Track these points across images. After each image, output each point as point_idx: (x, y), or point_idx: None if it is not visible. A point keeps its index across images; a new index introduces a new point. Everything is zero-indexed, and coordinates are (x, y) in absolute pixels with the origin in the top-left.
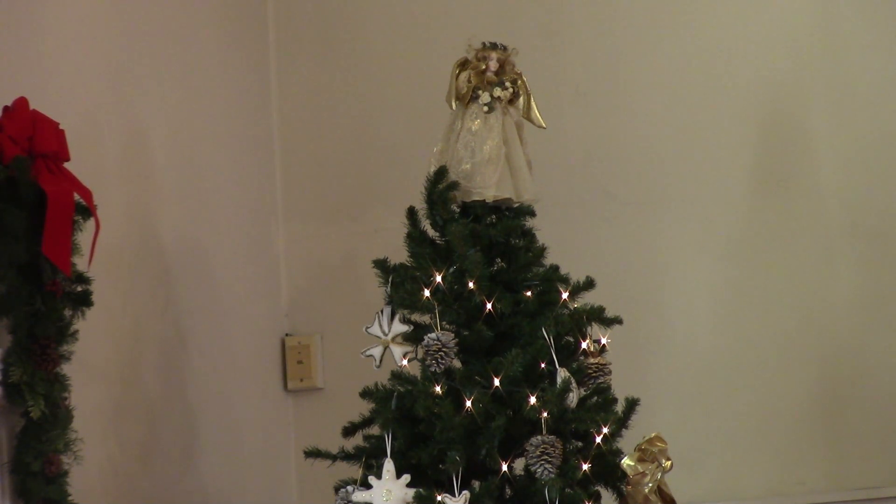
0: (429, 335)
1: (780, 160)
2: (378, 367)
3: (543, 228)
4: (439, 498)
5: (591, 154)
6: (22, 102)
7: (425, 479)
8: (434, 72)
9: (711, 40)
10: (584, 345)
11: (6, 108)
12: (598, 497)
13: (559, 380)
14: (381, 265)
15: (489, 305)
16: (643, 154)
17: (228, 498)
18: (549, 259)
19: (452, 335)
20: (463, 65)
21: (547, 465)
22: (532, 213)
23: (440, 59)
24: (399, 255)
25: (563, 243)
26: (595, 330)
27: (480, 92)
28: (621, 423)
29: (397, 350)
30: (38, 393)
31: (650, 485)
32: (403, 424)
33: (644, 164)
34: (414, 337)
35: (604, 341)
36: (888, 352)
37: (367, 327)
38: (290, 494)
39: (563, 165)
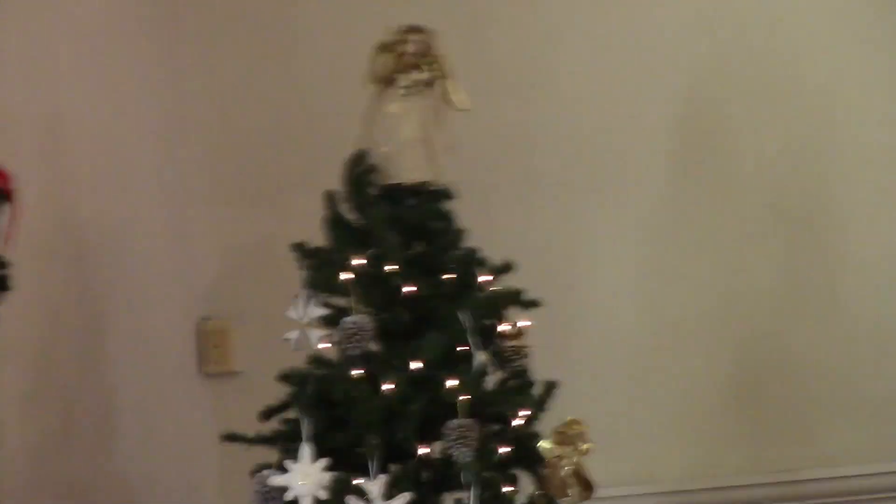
0: (346, 319)
1: (700, 144)
2: (296, 350)
3: (463, 212)
4: (357, 482)
5: (511, 137)
6: None
7: (343, 463)
8: (353, 54)
9: (632, 25)
10: (502, 328)
11: None
12: (515, 480)
13: (477, 363)
14: (300, 248)
15: (407, 289)
16: (564, 138)
17: (147, 482)
18: (469, 242)
19: (370, 319)
20: (383, 47)
21: (464, 449)
22: (451, 197)
23: (360, 42)
24: (318, 239)
25: (483, 227)
26: (513, 313)
27: (400, 75)
28: (539, 406)
29: (315, 334)
30: None
31: (568, 468)
32: (321, 408)
33: (565, 147)
34: (331, 320)
35: (522, 324)
36: (806, 335)
37: (285, 311)
38: (209, 478)
39: (483, 148)
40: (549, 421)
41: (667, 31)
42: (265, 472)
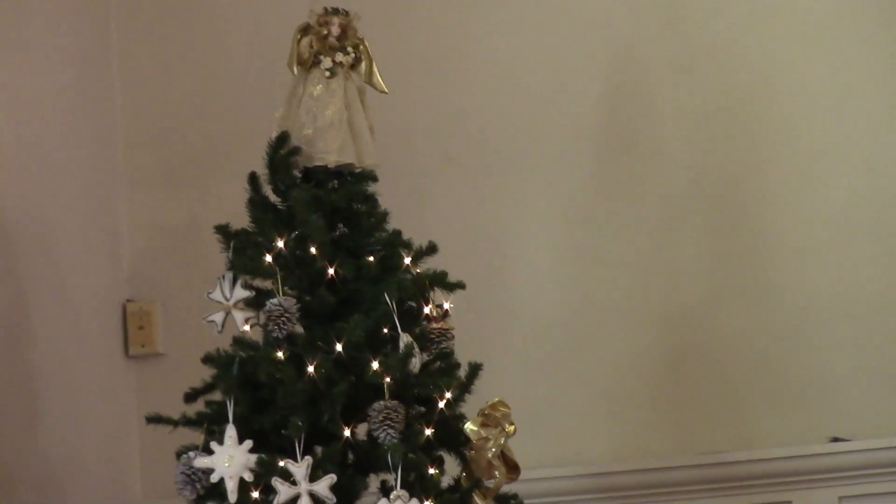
0: (271, 301)
1: (624, 124)
2: (220, 332)
3: (386, 194)
4: (282, 464)
5: (434, 119)
6: None
7: (268, 444)
8: (276, 37)
9: (554, 7)
10: (426, 310)
11: None
12: (441, 462)
13: (402, 345)
14: (223, 231)
15: (331, 271)
16: (485, 119)
17: (72, 464)
18: (392, 224)
19: (295, 301)
20: (305, 30)
21: (390, 430)
22: (374, 179)
23: (283, 25)
24: (241, 221)
25: (405, 209)
26: (438, 295)
27: (322, 57)
28: (464, 387)
29: (239, 315)
30: None
31: (493, 450)
32: (245, 390)
33: (486, 128)
34: (256, 302)
35: (446, 306)
36: (731, 317)
37: (209, 293)
38: (132, 460)
39: (406, 131)
40: (475, 403)
41: (589, 9)
42: (190, 454)
